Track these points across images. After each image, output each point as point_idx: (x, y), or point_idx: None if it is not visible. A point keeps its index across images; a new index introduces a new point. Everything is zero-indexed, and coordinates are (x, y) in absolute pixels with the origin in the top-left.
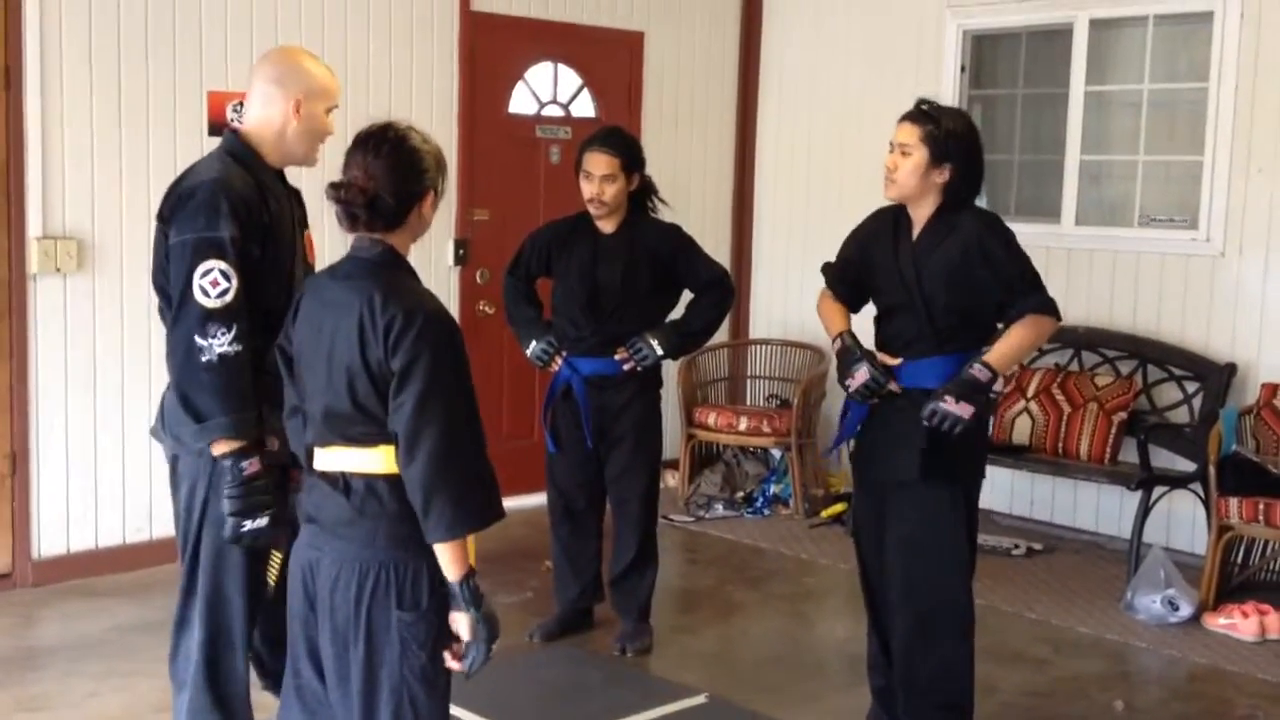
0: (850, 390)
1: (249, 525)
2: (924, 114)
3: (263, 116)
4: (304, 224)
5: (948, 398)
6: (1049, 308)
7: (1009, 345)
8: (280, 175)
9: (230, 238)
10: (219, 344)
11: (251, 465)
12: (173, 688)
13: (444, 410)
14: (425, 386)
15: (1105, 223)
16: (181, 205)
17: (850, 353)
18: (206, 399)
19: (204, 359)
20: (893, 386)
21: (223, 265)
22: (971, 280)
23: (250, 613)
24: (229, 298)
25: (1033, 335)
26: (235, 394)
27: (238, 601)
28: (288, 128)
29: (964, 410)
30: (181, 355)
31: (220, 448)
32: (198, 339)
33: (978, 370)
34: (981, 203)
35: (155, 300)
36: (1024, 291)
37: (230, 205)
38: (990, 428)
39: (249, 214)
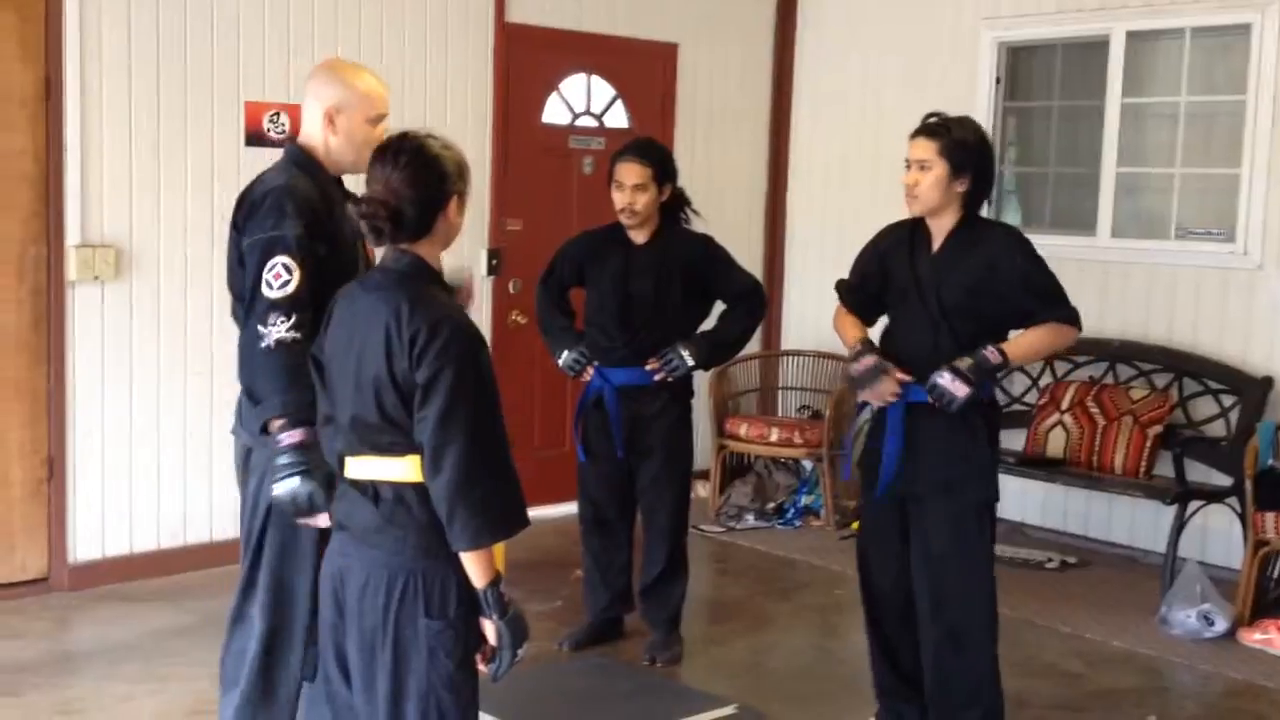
0: (855, 374)
1: (277, 490)
2: (938, 127)
3: (308, 129)
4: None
5: (946, 374)
6: (1074, 320)
7: (1029, 340)
8: (339, 183)
9: (295, 235)
10: (276, 331)
11: (292, 436)
12: (220, 686)
13: (468, 422)
14: (449, 399)
15: (1141, 235)
16: (253, 212)
17: (863, 352)
18: (263, 382)
19: (262, 345)
20: (900, 374)
21: (286, 259)
22: (994, 295)
23: (312, 609)
24: (290, 289)
25: (1053, 339)
26: (288, 375)
27: (302, 595)
28: (328, 139)
29: (958, 389)
30: (247, 348)
31: (273, 425)
32: (259, 328)
33: (990, 352)
34: (1016, 215)
35: (192, 308)
36: (1055, 303)
37: (295, 206)
38: (1000, 435)
39: (314, 214)
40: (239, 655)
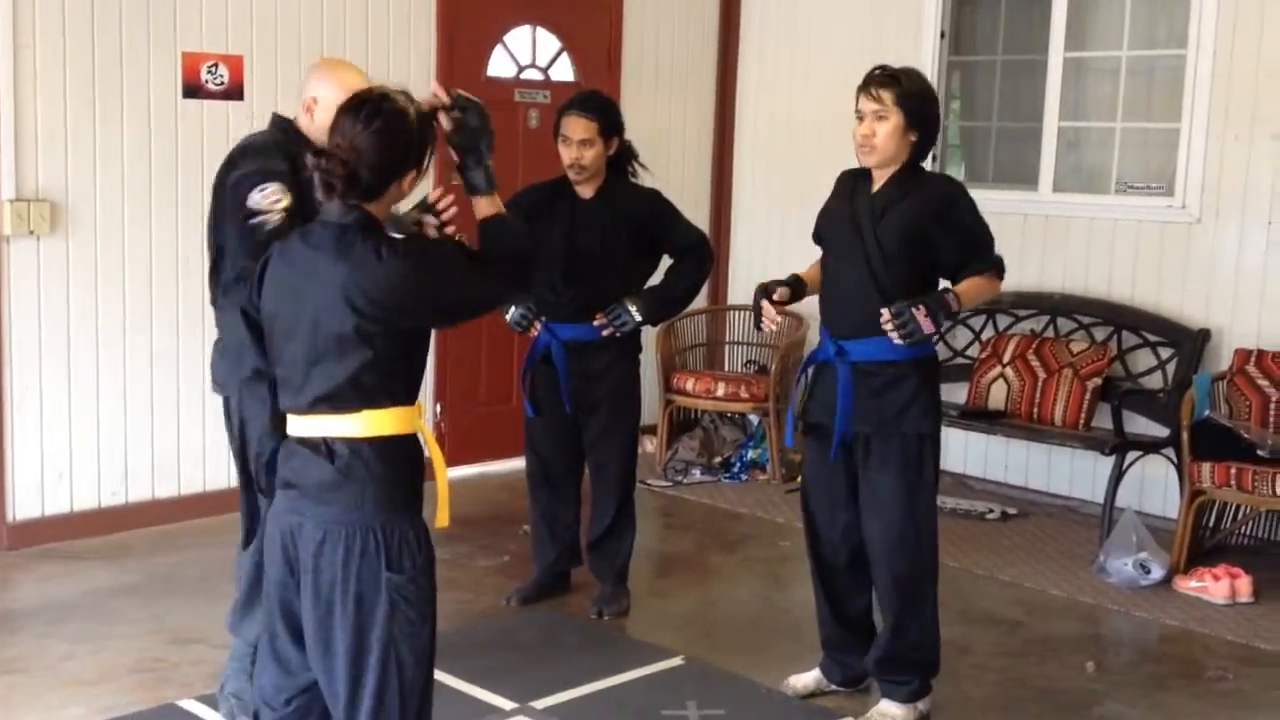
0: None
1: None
2: (891, 78)
3: (298, 110)
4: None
5: (921, 307)
6: (1003, 271)
7: (974, 287)
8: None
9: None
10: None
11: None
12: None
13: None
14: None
15: (1082, 189)
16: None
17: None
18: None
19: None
20: (777, 295)
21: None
22: (929, 239)
23: None
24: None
25: (989, 289)
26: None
27: None
28: (308, 123)
29: (928, 326)
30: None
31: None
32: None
33: (950, 297)
34: (960, 170)
35: (130, 262)
36: (986, 255)
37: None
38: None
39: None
40: (240, 567)
